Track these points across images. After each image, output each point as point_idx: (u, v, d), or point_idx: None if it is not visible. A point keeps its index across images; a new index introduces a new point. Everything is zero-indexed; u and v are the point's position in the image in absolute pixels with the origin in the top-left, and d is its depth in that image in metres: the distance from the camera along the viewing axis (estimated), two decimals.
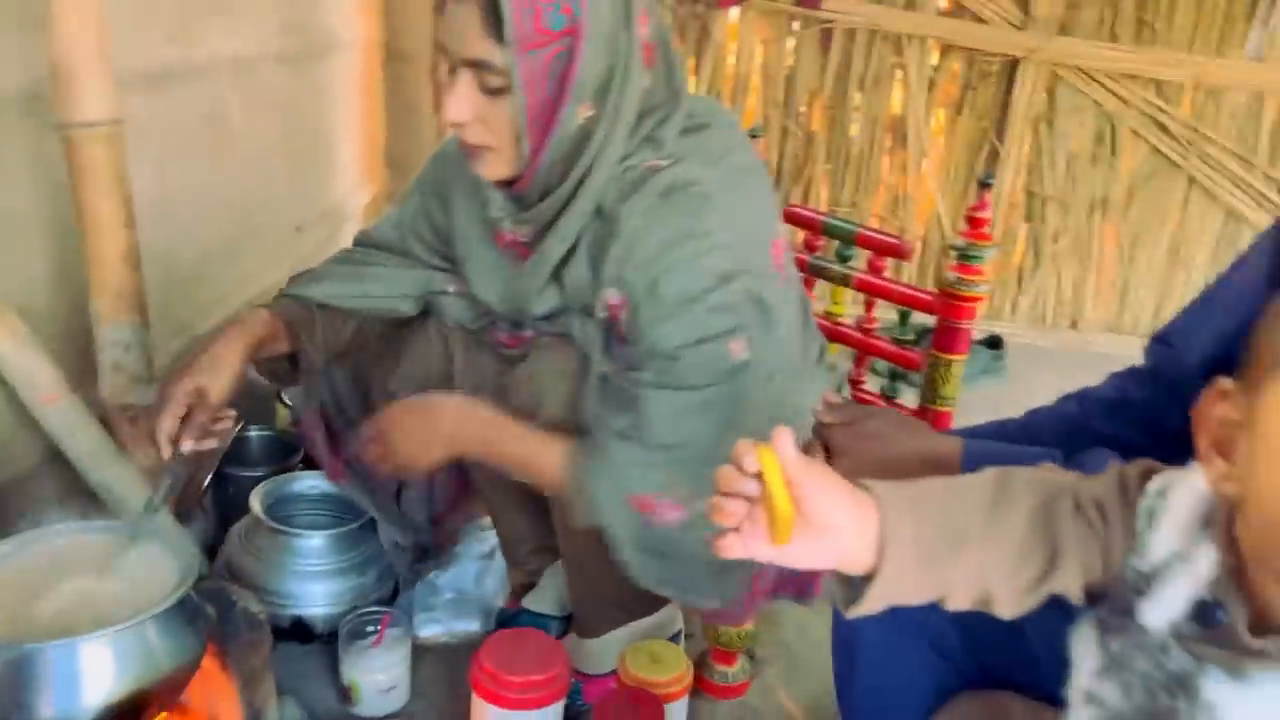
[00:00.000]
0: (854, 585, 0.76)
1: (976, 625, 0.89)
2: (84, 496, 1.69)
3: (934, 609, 0.91)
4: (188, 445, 1.34)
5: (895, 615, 0.95)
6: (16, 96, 1.57)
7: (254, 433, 1.93)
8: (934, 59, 3.23)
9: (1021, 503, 0.76)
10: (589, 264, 1.28)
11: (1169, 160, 3.21)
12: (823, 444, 1.08)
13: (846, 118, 3.29)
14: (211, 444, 1.39)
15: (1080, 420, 1.13)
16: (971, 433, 1.15)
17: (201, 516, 1.76)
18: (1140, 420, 1.08)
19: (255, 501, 1.63)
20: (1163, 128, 3.18)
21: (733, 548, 0.71)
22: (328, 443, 1.62)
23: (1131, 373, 1.15)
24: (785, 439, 0.69)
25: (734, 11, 3.19)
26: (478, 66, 1.20)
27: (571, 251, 1.31)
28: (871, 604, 0.75)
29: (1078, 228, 3.32)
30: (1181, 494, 0.71)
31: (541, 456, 1.33)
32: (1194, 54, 3.08)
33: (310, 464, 1.81)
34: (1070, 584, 0.75)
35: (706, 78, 3.25)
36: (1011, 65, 3.17)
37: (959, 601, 0.78)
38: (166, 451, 1.34)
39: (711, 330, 1.23)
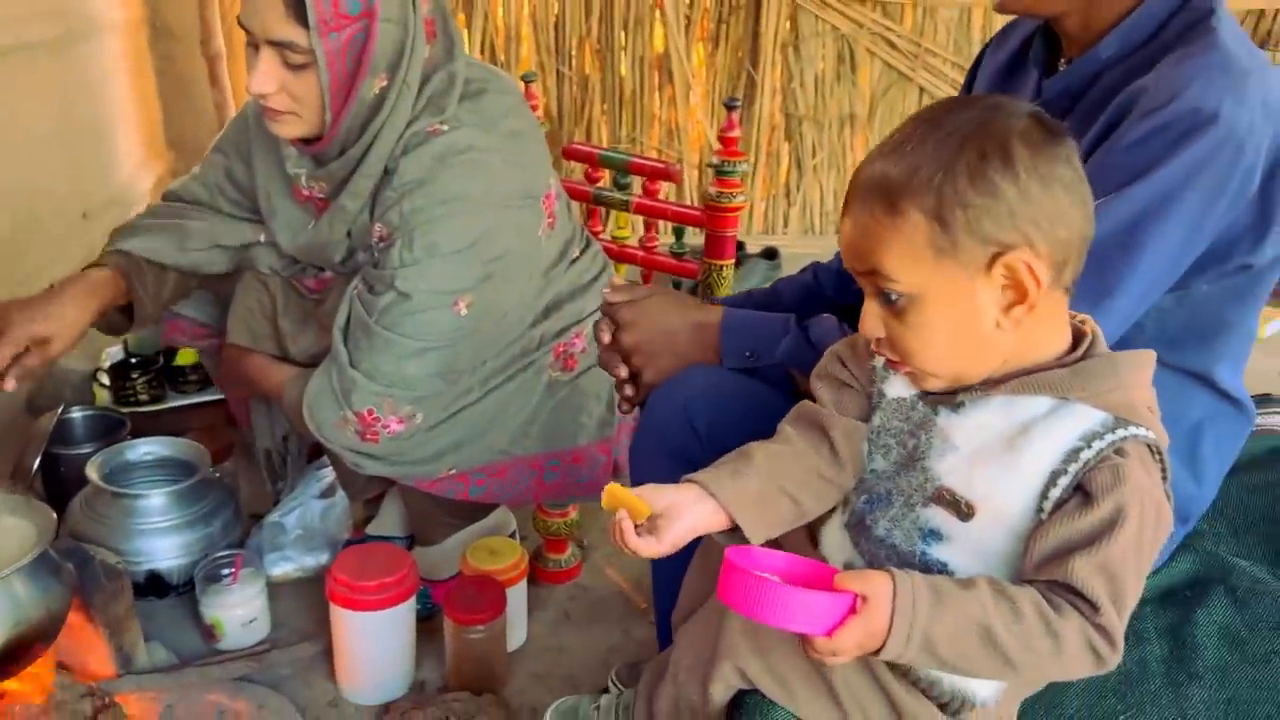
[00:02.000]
0: (734, 534, 0.93)
1: None
2: None
3: (705, 449, 1.14)
4: (10, 385, 1.45)
5: (672, 458, 1.17)
6: None
7: (78, 413, 1.97)
8: None
9: (785, 428, 0.99)
10: (371, 212, 1.44)
11: (900, 73, 3.55)
12: (612, 320, 1.26)
13: (615, 59, 3.48)
14: (25, 383, 1.51)
15: (814, 287, 1.38)
16: (729, 301, 1.38)
17: (33, 498, 1.81)
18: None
19: (92, 471, 1.70)
20: (892, 45, 3.51)
21: (636, 547, 0.89)
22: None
23: None
24: (613, 485, 0.90)
25: None
26: (281, 46, 1.32)
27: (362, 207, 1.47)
28: (750, 531, 0.92)
29: (832, 142, 3.63)
30: None
31: (272, 382, 1.58)
32: None
33: (139, 433, 1.89)
34: (851, 433, 0.97)
35: (479, 30, 3.37)
36: None
37: (812, 506, 0.96)
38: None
39: (444, 285, 1.42)
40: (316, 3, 1.29)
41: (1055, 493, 0.83)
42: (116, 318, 1.64)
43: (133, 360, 2.14)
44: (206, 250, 1.62)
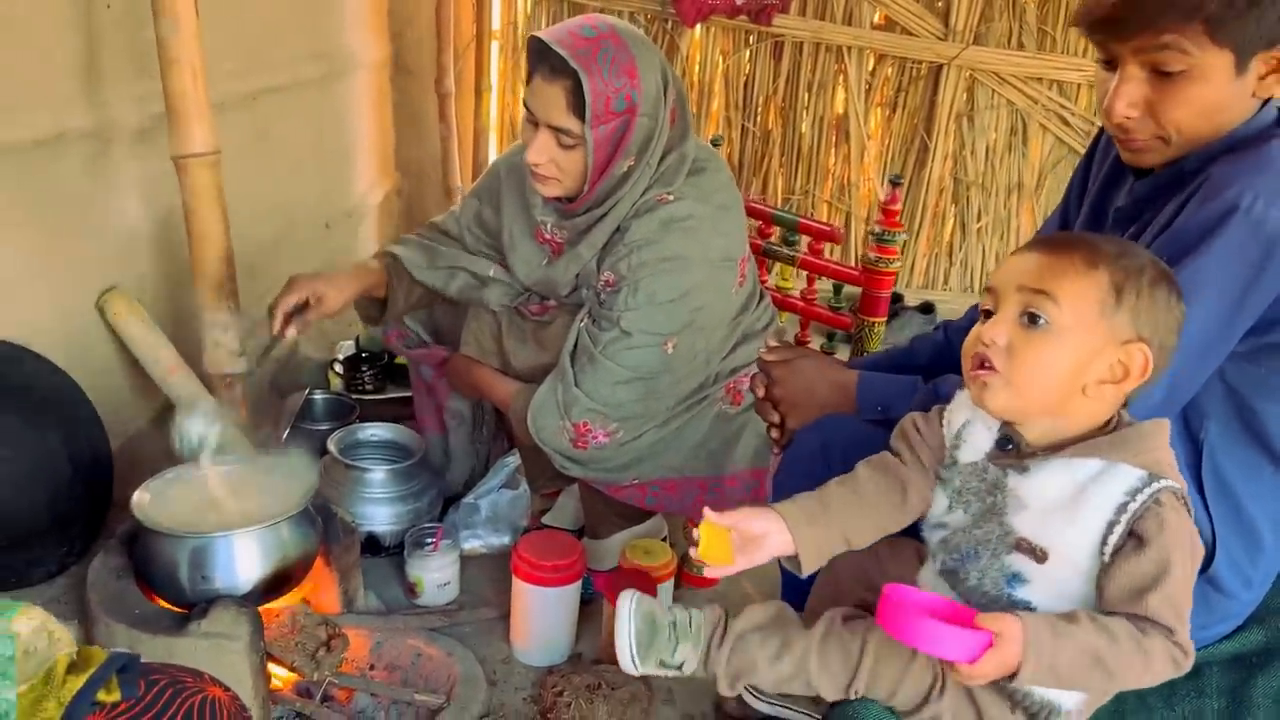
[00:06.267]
0: (795, 560, 1.19)
1: None
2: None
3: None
4: (291, 331, 1.82)
5: (809, 488, 1.42)
6: (131, 132, 1.99)
7: (319, 396, 2.37)
8: (870, 66, 3.67)
9: (860, 471, 1.24)
10: (597, 260, 1.75)
11: (1071, 148, 3.67)
12: (766, 375, 1.52)
13: (797, 118, 3.73)
14: (301, 334, 1.86)
15: (944, 344, 1.59)
16: (865, 364, 1.62)
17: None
18: None
19: (332, 445, 2.07)
20: (1064, 121, 3.63)
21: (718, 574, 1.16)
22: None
23: (979, 307, 1.61)
24: (709, 513, 1.16)
25: (698, 28, 3.63)
26: (558, 130, 1.64)
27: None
28: (807, 561, 1.19)
29: (997, 208, 3.78)
30: (963, 392, 1.19)
31: (502, 393, 1.88)
32: (1087, 58, 3.52)
33: (363, 418, 2.26)
34: (920, 483, 1.21)
35: None
36: (936, 70, 3.61)
37: (862, 540, 1.22)
38: (277, 325, 1.82)
39: (657, 328, 1.72)
40: (593, 102, 1.60)
41: (1113, 539, 1.04)
42: (371, 307, 2.01)
43: (363, 355, 2.54)
44: (447, 270, 1.95)
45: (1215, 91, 1.21)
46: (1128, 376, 1.06)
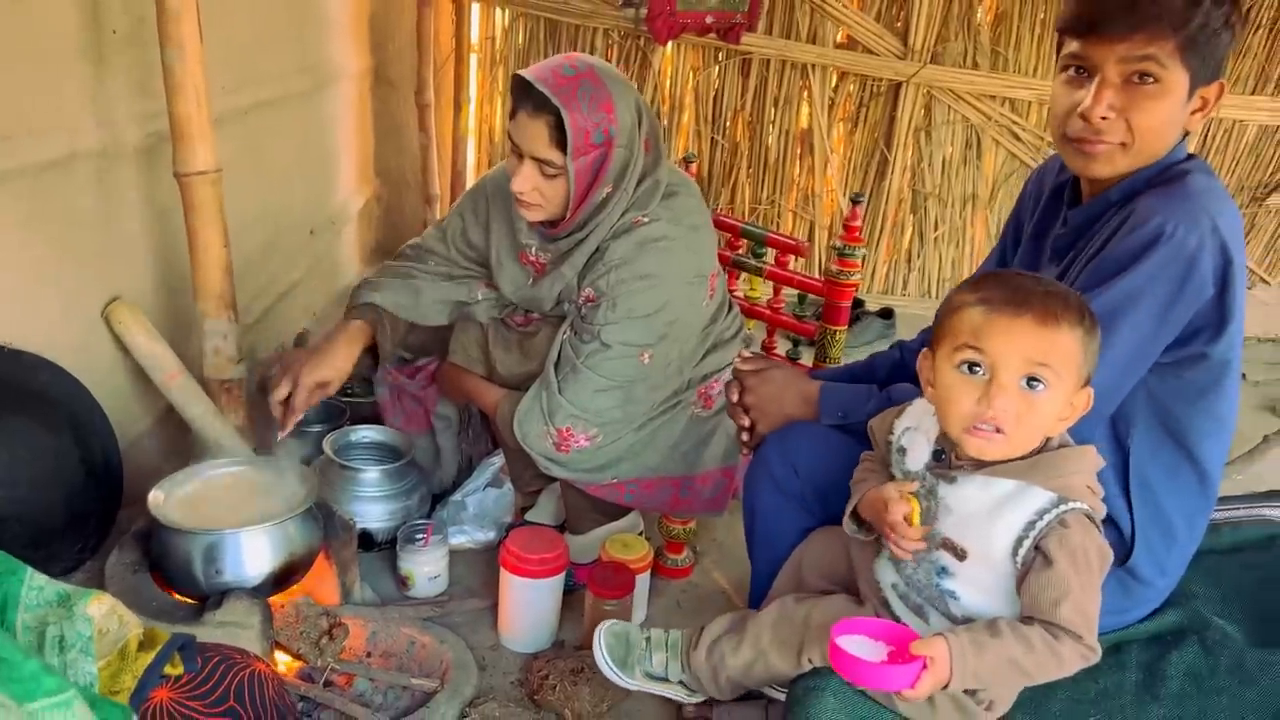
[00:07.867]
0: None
1: (827, 492, 1.51)
2: (183, 448, 2.23)
3: (801, 484, 1.55)
4: (288, 430, 1.96)
5: (776, 489, 1.57)
6: (134, 150, 2.09)
7: None
8: (833, 83, 3.82)
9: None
10: (578, 278, 1.88)
11: (1022, 161, 3.84)
12: (739, 383, 1.67)
13: (764, 131, 3.87)
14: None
15: (899, 360, 1.74)
16: (830, 374, 1.77)
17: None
18: None
19: (327, 446, 2.19)
20: (1016, 136, 3.81)
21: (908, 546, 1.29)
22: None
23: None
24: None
25: (669, 45, 3.75)
26: (542, 162, 1.76)
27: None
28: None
29: (953, 218, 3.95)
30: (917, 402, 1.35)
31: (488, 400, 2.01)
32: (1037, 78, 3.71)
33: (357, 421, 2.38)
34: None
35: (648, 98, 3.81)
36: (896, 88, 3.76)
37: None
38: (291, 424, 1.95)
39: (635, 340, 1.85)
40: (574, 136, 1.72)
41: (1022, 551, 1.20)
42: (365, 358, 2.11)
43: None
44: (433, 305, 2.08)
45: (1173, 108, 1.35)
46: (1073, 413, 1.22)
